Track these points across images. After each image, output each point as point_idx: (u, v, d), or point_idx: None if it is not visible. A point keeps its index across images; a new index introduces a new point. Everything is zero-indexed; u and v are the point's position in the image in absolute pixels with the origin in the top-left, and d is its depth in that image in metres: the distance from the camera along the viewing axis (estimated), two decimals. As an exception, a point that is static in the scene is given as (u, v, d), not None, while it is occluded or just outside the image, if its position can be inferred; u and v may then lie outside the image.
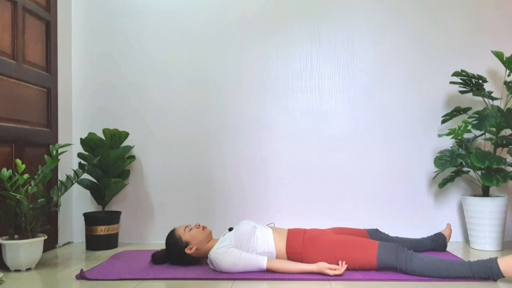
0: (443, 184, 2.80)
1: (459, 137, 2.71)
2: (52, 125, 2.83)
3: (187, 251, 2.22)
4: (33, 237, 2.28)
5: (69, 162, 2.98)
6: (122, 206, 3.06)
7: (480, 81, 2.74)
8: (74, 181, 2.48)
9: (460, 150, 2.74)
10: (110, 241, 2.83)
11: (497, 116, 2.55)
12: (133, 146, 3.03)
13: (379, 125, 3.00)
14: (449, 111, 2.89)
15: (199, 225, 2.31)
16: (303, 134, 3.02)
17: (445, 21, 3.00)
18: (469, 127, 2.60)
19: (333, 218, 2.92)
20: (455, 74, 2.75)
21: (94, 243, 2.79)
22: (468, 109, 2.84)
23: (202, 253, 2.25)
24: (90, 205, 3.05)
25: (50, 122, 2.82)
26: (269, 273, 2.09)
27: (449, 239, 2.59)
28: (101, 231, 2.78)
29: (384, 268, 2.07)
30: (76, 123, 3.09)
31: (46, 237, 2.36)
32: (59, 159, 2.42)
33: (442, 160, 2.71)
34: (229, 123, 3.05)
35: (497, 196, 2.70)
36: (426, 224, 2.90)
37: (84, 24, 3.11)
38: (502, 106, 2.79)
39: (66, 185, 2.45)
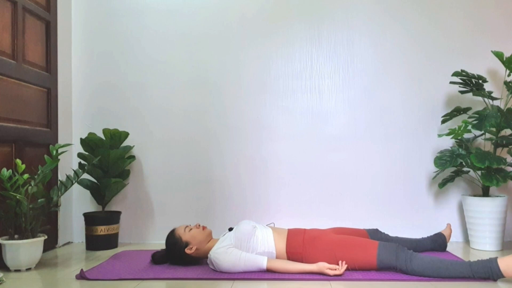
0: (443, 184, 2.80)
1: (459, 137, 2.71)
2: (52, 125, 2.83)
3: (187, 251, 2.22)
4: (33, 237, 2.28)
5: (69, 162, 2.98)
6: (122, 206, 3.06)
7: (480, 81, 2.74)
8: (74, 181, 2.48)
9: (460, 150, 2.74)
10: (110, 241, 2.83)
11: (497, 116, 2.55)
12: (133, 146, 3.03)
13: (379, 125, 3.00)
14: (449, 111, 2.89)
15: (199, 225, 2.31)
16: (303, 134, 3.02)
17: (445, 21, 3.00)
18: (469, 127, 2.60)
19: (333, 218, 2.92)
20: (455, 74, 2.75)
21: (94, 243, 2.79)
22: (468, 109, 2.84)
23: (202, 253, 2.25)
24: (90, 205, 3.05)
25: (50, 122, 2.82)
26: (269, 273, 2.09)
27: (449, 239, 2.59)
28: (101, 231, 2.78)
29: (384, 268, 2.07)
30: (76, 123, 3.09)
31: (46, 237, 2.36)
32: (59, 159, 2.42)
33: (442, 160, 2.71)
34: (229, 123, 3.05)
35: (497, 196, 2.70)
36: (426, 224, 2.90)
37: (84, 24, 3.11)
38: (502, 106, 2.79)
39: (66, 185, 2.45)
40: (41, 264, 2.35)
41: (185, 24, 3.08)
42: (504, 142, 2.69)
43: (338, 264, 2.06)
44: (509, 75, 2.68)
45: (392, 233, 2.61)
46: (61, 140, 2.90)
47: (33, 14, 2.67)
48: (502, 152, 2.85)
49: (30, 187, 2.25)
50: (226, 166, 3.04)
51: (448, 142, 2.94)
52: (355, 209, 2.97)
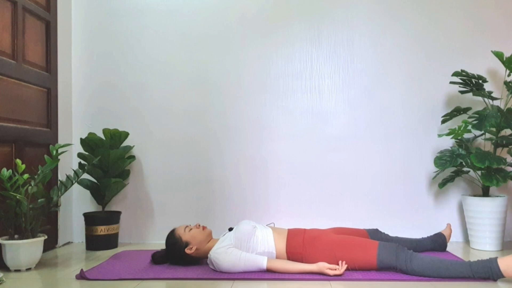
0: (443, 184, 2.80)
1: (459, 137, 2.71)
2: (52, 125, 2.83)
3: (187, 251, 2.22)
4: (33, 237, 2.28)
5: (69, 162, 2.98)
6: (122, 206, 3.06)
7: (480, 81, 2.74)
8: (74, 181, 2.48)
9: (460, 150, 2.74)
10: (110, 241, 2.83)
11: (497, 116, 2.55)
12: (133, 146, 3.03)
13: (379, 125, 3.00)
14: (449, 111, 2.89)
15: (199, 225, 2.31)
16: (303, 134, 3.02)
17: (445, 21, 3.00)
18: (469, 127, 2.60)
19: (333, 218, 2.92)
20: (455, 74, 2.75)
21: (94, 243, 2.79)
22: (468, 109, 2.84)
23: (202, 253, 2.25)
24: (90, 205, 3.05)
25: (50, 122, 2.82)
26: (269, 273, 2.09)
27: (449, 239, 2.59)
28: (101, 231, 2.78)
29: (384, 268, 2.07)
30: (76, 123, 3.09)
31: (46, 237, 2.36)
32: (59, 159, 2.42)
33: (442, 160, 2.71)
34: (229, 123, 3.05)
35: (497, 196, 2.70)
36: (426, 224, 2.90)
37: (84, 24, 3.11)
38: (502, 106, 2.79)
39: (66, 185, 2.45)
40: (41, 264, 2.35)
41: (185, 24, 3.08)
42: (504, 142, 2.69)
43: (338, 264, 2.06)
44: (509, 75, 2.68)
45: (392, 233, 2.61)
46: (61, 140, 2.90)
47: (33, 14, 2.67)
48: (502, 152, 2.85)
49: (30, 187, 2.25)
50: (226, 166, 3.04)
51: (448, 142, 2.94)
52: (355, 209, 2.97)
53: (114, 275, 2.11)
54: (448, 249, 2.58)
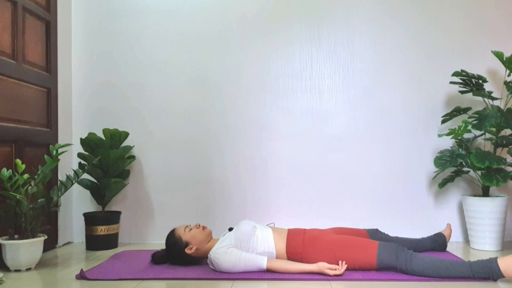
0: (443, 184, 2.80)
1: (459, 137, 2.71)
2: (52, 125, 2.83)
3: (187, 251, 2.22)
4: (33, 237, 2.28)
5: (69, 162, 2.98)
6: (122, 206, 3.06)
7: (480, 81, 2.74)
8: (74, 181, 2.48)
9: (460, 150, 2.74)
10: (110, 241, 2.83)
11: (497, 116, 2.55)
12: (133, 146, 3.03)
13: (379, 125, 3.00)
14: (449, 111, 2.89)
15: (199, 225, 2.31)
16: (303, 134, 3.02)
17: (445, 21, 3.00)
18: (469, 127, 2.60)
19: (333, 218, 2.92)
20: (455, 74, 2.75)
21: (94, 243, 2.79)
22: (468, 109, 2.84)
23: (202, 253, 2.25)
24: (90, 205, 3.05)
25: (50, 122, 2.82)
26: (269, 273, 2.09)
27: (449, 239, 2.59)
28: (101, 231, 2.78)
29: (384, 268, 2.07)
30: (76, 123, 3.09)
31: (46, 237, 2.36)
32: (59, 159, 2.42)
33: (442, 160, 2.71)
34: (229, 123, 3.05)
35: (497, 196, 2.70)
36: (426, 224, 2.90)
37: (84, 24, 3.11)
38: (502, 106, 2.79)
39: (66, 185, 2.45)
40: (41, 264, 2.35)
41: (185, 24, 3.08)
42: (504, 142, 2.69)
43: (338, 264, 2.06)
44: (509, 75, 2.68)
45: (392, 233, 2.61)
46: (61, 140, 2.90)
47: (33, 14, 2.67)
48: (502, 152, 2.85)
49: (30, 187, 2.25)
50: (226, 166, 3.04)
51: (448, 142, 2.94)
52: (355, 209, 2.97)
53: (114, 275, 2.11)
54: (448, 249, 2.58)
